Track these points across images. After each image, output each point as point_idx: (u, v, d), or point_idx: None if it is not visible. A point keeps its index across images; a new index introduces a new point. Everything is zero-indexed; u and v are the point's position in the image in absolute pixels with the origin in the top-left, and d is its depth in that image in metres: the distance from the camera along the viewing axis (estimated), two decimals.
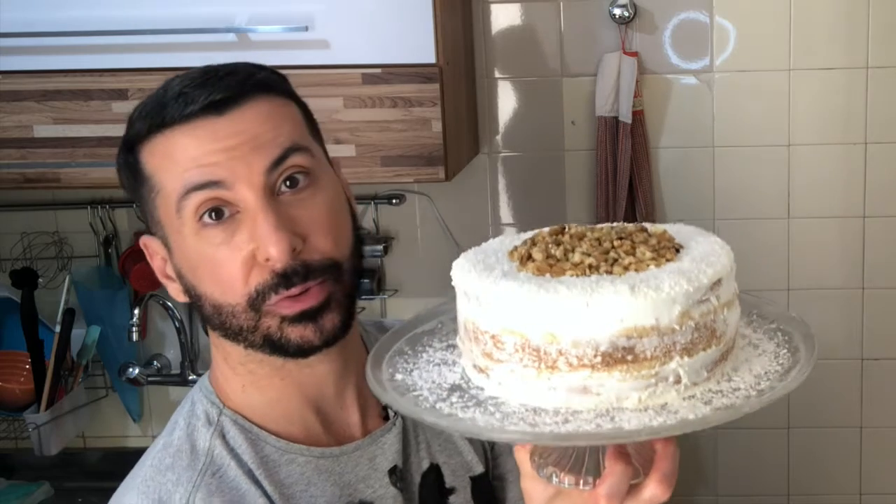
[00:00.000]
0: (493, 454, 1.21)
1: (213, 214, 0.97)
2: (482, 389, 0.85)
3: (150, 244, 1.05)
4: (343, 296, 1.01)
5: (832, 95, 2.10)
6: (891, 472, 2.26)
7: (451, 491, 1.14)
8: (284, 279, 0.96)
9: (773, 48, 2.09)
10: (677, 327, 0.79)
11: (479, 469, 1.16)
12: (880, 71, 2.06)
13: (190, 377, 2.25)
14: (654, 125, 2.14)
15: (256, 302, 0.98)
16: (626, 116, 2.07)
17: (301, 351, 1.00)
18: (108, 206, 2.21)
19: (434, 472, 1.13)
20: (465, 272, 0.86)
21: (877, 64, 2.06)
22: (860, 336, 2.19)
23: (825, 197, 2.14)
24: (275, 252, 0.95)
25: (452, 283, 0.87)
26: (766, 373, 0.84)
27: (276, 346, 1.00)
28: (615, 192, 2.11)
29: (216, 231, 0.97)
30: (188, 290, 1.02)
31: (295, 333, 0.99)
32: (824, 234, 2.16)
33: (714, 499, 2.29)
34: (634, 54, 2.08)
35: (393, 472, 1.09)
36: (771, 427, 2.24)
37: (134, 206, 1.14)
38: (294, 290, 0.97)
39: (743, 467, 2.27)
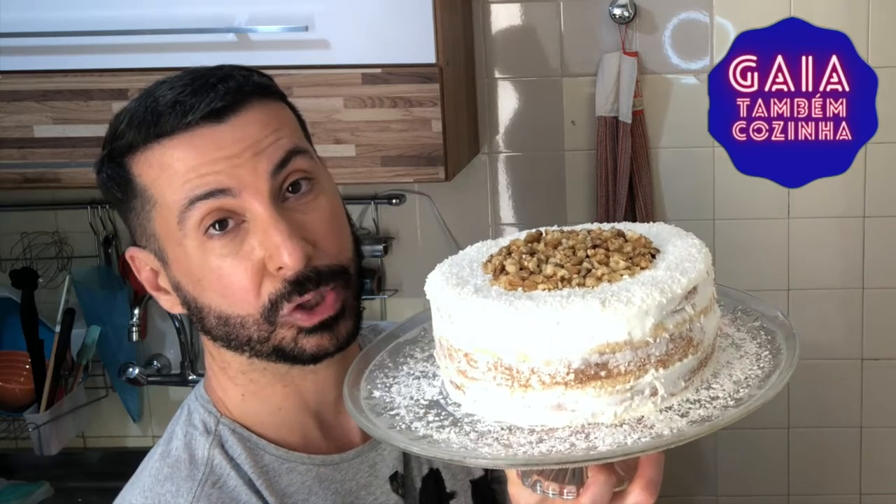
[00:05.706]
0: None
1: (217, 225, 0.95)
2: (459, 406, 0.84)
3: (137, 256, 1.02)
4: (353, 299, 1.00)
5: None
6: (891, 472, 2.26)
7: (452, 495, 1.13)
8: (297, 286, 0.95)
9: None
10: (651, 340, 0.77)
11: (478, 472, 1.16)
12: (880, 71, 2.06)
13: (190, 377, 2.25)
14: (654, 125, 2.13)
15: (271, 313, 0.96)
16: (626, 116, 2.07)
17: (315, 359, 0.99)
18: (108, 206, 2.20)
19: (434, 476, 1.12)
20: (438, 287, 0.84)
21: (877, 64, 2.06)
22: (860, 336, 2.19)
23: (825, 197, 2.14)
24: (289, 261, 0.93)
25: (427, 297, 0.85)
26: (745, 378, 0.82)
27: (286, 356, 0.99)
28: (615, 191, 2.11)
29: (221, 242, 0.95)
30: (187, 301, 1.00)
31: (311, 344, 0.98)
32: (824, 234, 2.16)
33: (714, 499, 2.29)
34: (634, 54, 2.08)
35: (394, 478, 1.08)
36: (771, 427, 2.24)
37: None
38: (307, 297, 0.96)
39: (743, 467, 2.27)
